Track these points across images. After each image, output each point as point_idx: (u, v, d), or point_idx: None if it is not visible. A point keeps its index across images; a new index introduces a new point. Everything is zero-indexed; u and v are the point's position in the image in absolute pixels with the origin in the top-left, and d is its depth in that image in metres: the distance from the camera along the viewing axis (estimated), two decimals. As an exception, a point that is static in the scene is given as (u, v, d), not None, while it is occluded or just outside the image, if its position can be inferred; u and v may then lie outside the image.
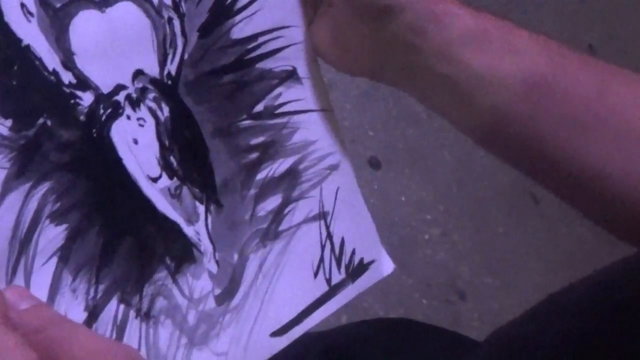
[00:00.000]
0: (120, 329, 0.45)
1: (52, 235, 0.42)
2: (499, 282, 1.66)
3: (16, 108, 0.42)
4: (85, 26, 0.44)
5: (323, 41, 0.53)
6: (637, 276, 0.43)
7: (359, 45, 0.51)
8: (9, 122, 0.41)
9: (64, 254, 0.43)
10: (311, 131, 0.54)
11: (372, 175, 1.61)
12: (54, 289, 0.43)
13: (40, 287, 0.43)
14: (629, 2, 2.17)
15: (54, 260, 0.43)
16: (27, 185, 0.41)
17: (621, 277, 0.44)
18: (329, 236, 0.55)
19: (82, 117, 0.44)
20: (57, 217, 0.43)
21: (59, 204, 0.43)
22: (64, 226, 0.43)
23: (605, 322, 0.42)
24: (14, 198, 0.41)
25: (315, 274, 0.54)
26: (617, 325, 0.41)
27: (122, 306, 0.45)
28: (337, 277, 0.55)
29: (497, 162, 0.53)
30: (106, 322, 0.44)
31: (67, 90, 0.44)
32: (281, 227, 0.53)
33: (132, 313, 0.45)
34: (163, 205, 0.47)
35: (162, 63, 0.48)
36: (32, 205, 0.42)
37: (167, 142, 0.48)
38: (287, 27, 0.54)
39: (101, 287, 0.44)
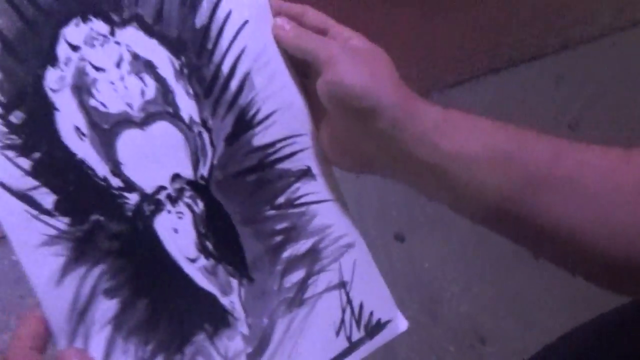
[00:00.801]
0: None
1: (106, 307, 0.50)
2: (519, 325, 1.89)
3: (73, 208, 0.50)
4: (129, 141, 0.54)
5: (326, 145, 0.62)
6: (628, 328, 0.47)
7: (352, 145, 0.59)
8: (67, 220, 0.49)
9: (117, 323, 0.51)
10: (327, 217, 0.62)
11: (399, 248, 1.87)
12: (109, 352, 0.50)
13: (96, 350, 0.49)
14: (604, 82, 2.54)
15: (109, 328, 0.50)
16: (83, 269, 0.50)
17: (613, 327, 0.47)
18: (349, 301, 0.62)
19: (129, 213, 0.52)
20: (110, 293, 0.51)
21: (111, 282, 0.51)
22: (116, 300, 0.51)
23: None
24: (72, 279, 0.49)
25: (337, 333, 0.60)
26: None
27: None
28: (356, 335, 0.62)
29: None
30: None
31: (116, 192, 0.53)
32: (305, 296, 0.60)
33: None
34: (201, 280, 0.55)
35: (195, 167, 0.57)
36: (89, 284, 0.50)
37: (203, 230, 0.56)
38: (300, 135, 0.62)
39: (148, 348, 0.51)
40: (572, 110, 2.59)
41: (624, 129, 2.88)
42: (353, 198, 0.56)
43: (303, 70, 0.62)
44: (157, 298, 0.52)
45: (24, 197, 0.48)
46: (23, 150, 0.49)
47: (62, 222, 0.49)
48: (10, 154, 0.48)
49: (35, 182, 0.49)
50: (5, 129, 0.48)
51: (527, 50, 2.96)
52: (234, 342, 0.55)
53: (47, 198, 0.49)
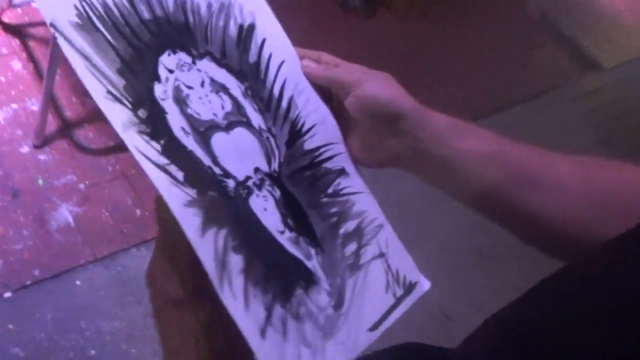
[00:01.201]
0: (283, 323, 0.62)
1: (236, 260, 0.60)
2: (474, 306, 2.46)
3: (196, 184, 0.61)
4: (220, 141, 0.66)
5: (357, 149, 0.73)
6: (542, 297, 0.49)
7: (379, 144, 0.70)
8: (195, 191, 0.60)
9: (245, 274, 0.61)
10: (362, 204, 0.75)
11: None
12: (246, 295, 0.60)
13: (238, 292, 0.59)
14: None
15: (241, 277, 0.60)
16: (215, 228, 0.60)
17: (533, 297, 0.50)
18: (389, 267, 0.75)
19: (231, 194, 0.64)
20: (236, 250, 0.61)
21: (235, 242, 0.61)
22: (241, 256, 0.61)
23: (518, 339, 0.46)
24: (210, 234, 0.59)
25: (386, 291, 0.73)
26: (526, 341, 0.44)
27: (282, 309, 0.62)
28: (399, 292, 0.74)
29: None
30: (277, 323, 0.61)
31: (219, 178, 0.64)
32: (360, 262, 0.72)
33: (288, 314, 0.63)
34: (291, 248, 0.67)
35: (269, 163, 0.69)
36: (221, 240, 0.60)
37: (283, 211, 0.67)
38: (333, 143, 0.75)
39: (269, 296, 0.62)
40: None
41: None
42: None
43: (326, 96, 0.75)
44: (266, 260, 0.63)
45: (163, 169, 0.58)
46: (153, 136, 0.59)
47: (192, 192, 0.59)
48: (146, 137, 0.59)
49: (166, 160, 0.59)
50: (136, 120, 0.59)
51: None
52: (322, 296, 0.66)
53: (178, 173, 0.59)
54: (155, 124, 0.61)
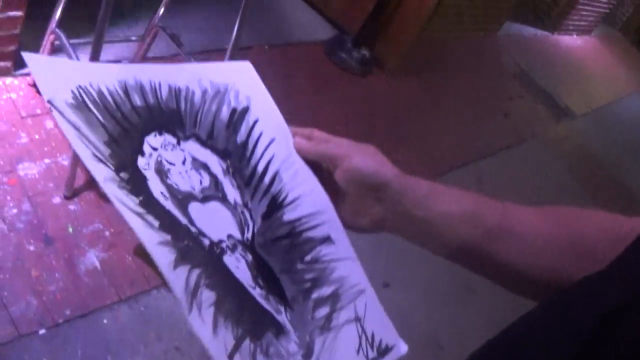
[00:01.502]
0: (252, 355, 0.59)
1: (209, 295, 0.59)
2: (470, 338, 2.56)
3: (172, 232, 0.59)
4: (196, 209, 0.65)
5: (348, 216, 0.73)
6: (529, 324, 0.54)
7: (365, 210, 0.71)
8: (169, 236, 0.59)
9: (217, 307, 0.58)
10: (344, 270, 0.71)
11: (385, 292, 2.56)
12: (215, 324, 0.57)
13: (207, 319, 0.56)
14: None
15: (212, 308, 0.58)
16: (188, 266, 0.58)
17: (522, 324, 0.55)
18: (364, 331, 0.70)
19: (206, 248, 0.63)
20: (208, 287, 0.59)
21: (208, 280, 0.59)
22: (213, 292, 0.59)
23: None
24: (182, 270, 0.57)
25: (357, 352, 0.69)
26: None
27: (251, 343, 0.59)
28: (371, 355, 0.70)
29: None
30: (245, 352, 0.58)
31: (195, 235, 0.63)
32: (332, 325, 0.68)
33: (258, 349, 0.60)
34: (261, 301, 0.64)
35: (242, 233, 0.67)
36: (193, 276, 0.58)
37: (254, 272, 0.65)
38: (321, 212, 0.73)
39: (239, 330, 0.59)
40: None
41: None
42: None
43: (315, 167, 0.74)
44: (238, 301, 0.60)
45: (140, 215, 0.57)
46: (132, 192, 0.59)
47: (167, 237, 0.58)
48: (125, 191, 0.58)
49: (143, 210, 0.58)
50: (118, 178, 0.59)
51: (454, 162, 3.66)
52: (291, 345, 0.63)
53: (154, 222, 0.58)
54: (134, 185, 0.61)
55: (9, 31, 2.17)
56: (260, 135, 0.73)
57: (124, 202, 0.58)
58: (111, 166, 0.60)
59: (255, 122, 0.74)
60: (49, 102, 0.60)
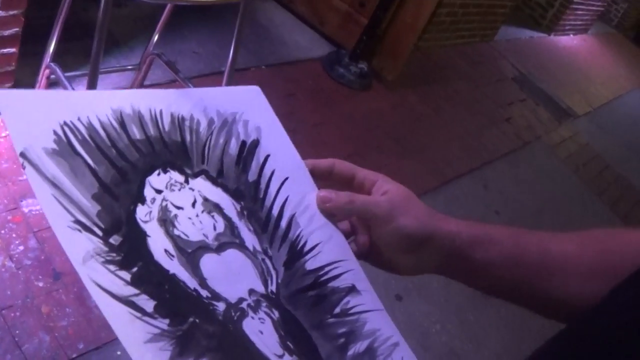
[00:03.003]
0: None
1: None
2: (479, 345, 2.64)
3: (171, 312, 0.50)
4: (210, 263, 0.57)
5: (381, 263, 0.70)
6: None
7: (407, 259, 0.68)
8: (167, 321, 0.50)
9: None
10: (375, 323, 0.66)
11: (399, 304, 2.60)
12: None
13: None
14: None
15: None
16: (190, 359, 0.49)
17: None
18: None
19: (220, 317, 0.54)
20: None
21: None
22: None
23: None
24: None
25: None
26: None
27: None
28: None
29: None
30: None
31: (207, 301, 0.54)
32: None
33: None
34: None
35: (265, 285, 0.60)
36: None
37: (282, 333, 0.58)
38: (342, 260, 0.67)
39: None
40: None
41: (529, 217, 3.71)
42: (366, 274, 0.66)
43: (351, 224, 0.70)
44: None
45: (127, 302, 0.48)
46: (122, 265, 0.50)
47: (163, 323, 0.49)
48: (112, 267, 0.49)
49: (135, 290, 0.50)
50: (106, 248, 0.50)
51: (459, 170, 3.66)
52: None
53: (148, 303, 0.50)
54: (129, 251, 0.52)
55: (4, 68, 2.19)
56: (273, 173, 0.67)
57: (107, 287, 0.49)
58: (99, 230, 0.51)
59: (266, 158, 0.67)
60: (21, 155, 0.50)
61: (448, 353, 2.55)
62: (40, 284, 1.83)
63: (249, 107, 0.69)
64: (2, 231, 1.90)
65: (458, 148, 4.01)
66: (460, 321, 2.74)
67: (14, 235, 1.91)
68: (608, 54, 9.40)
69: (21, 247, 1.89)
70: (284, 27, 3.93)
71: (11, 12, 2.09)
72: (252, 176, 0.65)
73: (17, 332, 1.69)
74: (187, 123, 0.63)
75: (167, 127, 0.61)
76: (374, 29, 3.75)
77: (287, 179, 0.67)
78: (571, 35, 8.53)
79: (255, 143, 0.67)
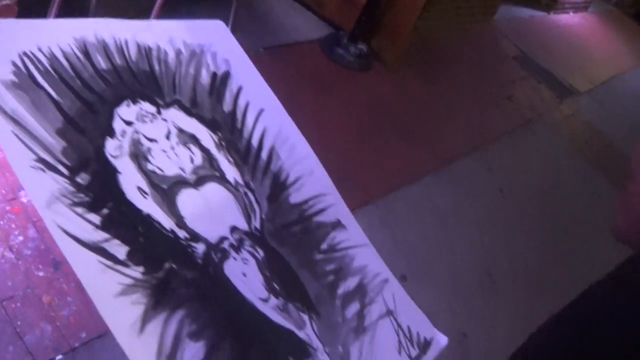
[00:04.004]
0: None
1: (194, 350, 0.46)
2: (488, 326, 2.59)
3: (145, 258, 0.47)
4: (188, 199, 0.53)
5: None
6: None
7: None
8: (141, 268, 0.46)
9: None
10: (363, 259, 0.64)
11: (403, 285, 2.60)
12: None
13: None
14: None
15: None
16: (164, 315, 0.45)
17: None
18: (399, 326, 0.63)
19: (199, 261, 0.50)
20: (194, 335, 0.47)
21: (194, 326, 0.47)
22: (202, 342, 0.46)
23: None
24: (155, 325, 0.44)
25: (399, 352, 0.61)
26: None
27: None
28: (414, 353, 0.62)
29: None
30: None
31: (184, 243, 0.51)
32: (365, 324, 0.60)
33: None
34: (277, 318, 0.53)
35: (249, 221, 0.57)
36: (172, 328, 0.46)
37: (268, 274, 0.54)
38: (325, 194, 0.65)
39: None
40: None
41: (535, 197, 3.67)
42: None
43: None
44: (241, 337, 0.48)
45: (96, 249, 0.44)
46: (92, 207, 0.46)
47: (136, 271, 0.46)
48: (80, 210, 0.45)
49: (106, 235, 0.46)
50: (72, 189, 0.46)
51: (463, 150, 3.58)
52: None
53: (119, 249, 0.46)
54: (98, 191, 0.47)
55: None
56: (248, 105, 0.64)
57: (74, 233, 0.44)
58: (64, 169, 0.46)
59: (239, 89, 0.64)
60: None
61: (456, 334, 2.52)
62: (41, 274, 1.80)
63: (215, 40, 0.66)
64: (1, 222, 1.87)
65: (460, 128, 3.96)
66: (468, 301, 2.70)
67: (13, 225, 1.88)
68: (608, 31, 9.29)
69: (20, 238, 1.86)
70: (281, 10, 3.87)
71: (4, 2, 2.05)
72: (227, 106, 0.62)
73: (19, 323, 1.67)
74: (154, 53, 0.58)
75: (134, 57, 0.56)
76: (372, 9, 3.69)
77: (262, 110, 0.64)
78: (571, 13, 8.43)
79: (226, 74, 0.63)
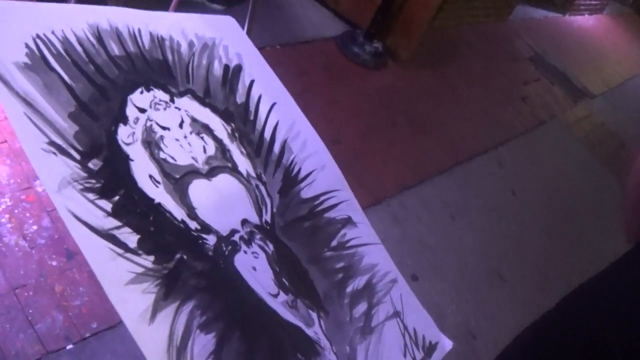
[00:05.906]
0: None
1: (205, 342, 0.45)
2: (495, 327, 2.58)
3: (156, 247, 0.45)
4: (199, 190, 0.51)
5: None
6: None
7: None
8: (151, 258, 0.45)
9: (217, 357, 0.45)
10: (373, 257, 0.63)
11: (414, 284, 2.56)
12: None
13: None
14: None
15: None
16: (175, 304, 0.44)
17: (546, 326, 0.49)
18: (406, 328, 0.62)
19: (210, 253, 0.49)
20: (205, 327, 0.46)
21: (205, 317, 0.47)
22: (213, 334, 0.46)
23: None
24: (165, 315, 0.43)
25: (404, 355, 0.60)
26: None
27: None
28: (419, 356, 0.62)
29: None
30: None
31: (195, 234, 0.50)
32: (372, 324, 0.59)
33: None
34: (285, 314, 0.52)
35: (259, 214, 0.56)
36: (183, 319, 0.45)
37: (277, 269, 0.53)
38: (336, 190, 0.64)
39: None
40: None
41: (547, 198, 3.62)
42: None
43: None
44: (250, 331, 0.47)
45: (107, 236, 0.43)
46: (103, 193, 0.45)
47: (147, 260, 0.45)
48: (91, 196, 0.44)
49: (117, 222, 0.45)
50: (84, 174, 0.45)
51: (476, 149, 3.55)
52: None
53: (130, 237, 0.45)
54: (109, 177, 0.45)
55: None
56: (260, 98, 0.62)
57: (86, 219, 0.42)
58: (76, 153, 0.45)
59: (251, 83, 0.63)
60: None
61: (465, 334, 2.51)
62: (54, 263, 1.79)
63: (226, 34, 0.65)
64: (16, 210, 1.86)
65: (473, 127, 3.92)
66: (477, 301, 2.67)
67: (27, 214, 1.87)
68: (624, 34, 9.18)
69: (35, 227, 1.85)
70: (298, 6, 3.84)
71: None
72: (240, 98, 0.60)
73: (31, 311, 1.66)
74: (167, 43, 0.57)
75: (147, 45, 0.55)
76: (388, 7, 3.65)
77: (274, 104, 0.63)
78: (586, 15, 8.33)
79: (239, 67, 0.63)
